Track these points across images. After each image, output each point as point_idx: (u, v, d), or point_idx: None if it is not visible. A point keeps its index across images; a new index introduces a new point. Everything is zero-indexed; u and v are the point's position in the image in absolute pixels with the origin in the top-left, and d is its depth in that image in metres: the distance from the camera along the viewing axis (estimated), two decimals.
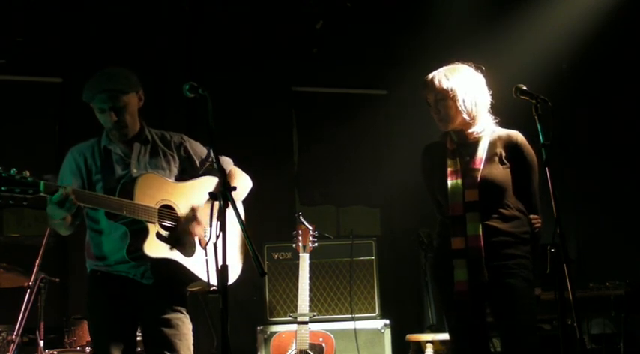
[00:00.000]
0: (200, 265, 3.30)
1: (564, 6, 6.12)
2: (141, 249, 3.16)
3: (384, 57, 6.93)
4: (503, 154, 3.32)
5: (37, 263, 4.67)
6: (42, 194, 2.99)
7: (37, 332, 4.66)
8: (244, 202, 3.59)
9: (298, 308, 4.85)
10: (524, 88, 3.22)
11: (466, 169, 3.32)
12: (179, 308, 3.34)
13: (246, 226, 2.91)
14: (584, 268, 6.12)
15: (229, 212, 2.76)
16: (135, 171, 3.31)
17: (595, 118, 6.46)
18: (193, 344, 3.37)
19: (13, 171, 2.93)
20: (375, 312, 5.53)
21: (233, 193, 2.81)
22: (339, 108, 7.08)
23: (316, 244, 5.03)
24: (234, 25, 6.55)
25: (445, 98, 3.32)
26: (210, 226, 3.14)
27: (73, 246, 5.69)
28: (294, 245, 5.02)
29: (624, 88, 6.29)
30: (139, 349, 3.77)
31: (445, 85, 3.32)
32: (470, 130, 3.37)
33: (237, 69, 6.56)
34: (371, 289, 5.58)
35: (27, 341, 4.86)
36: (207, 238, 3.32)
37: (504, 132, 3.39)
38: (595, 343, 5.42)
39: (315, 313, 4.93)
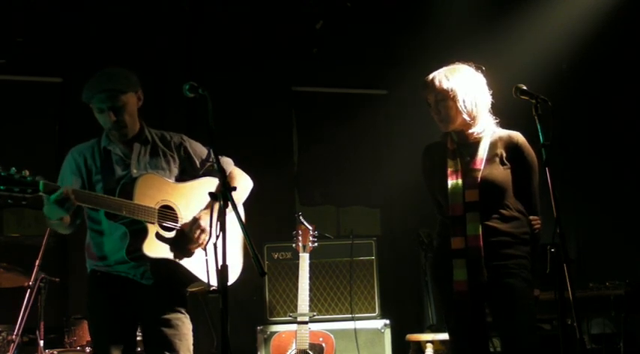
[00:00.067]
0: (200, 265, 3.30)
1: (564, 6, 6.12)
2: (140, 249, 3.16)
3: (384, 57, 6.93)
4: (504, 155, 3.32)
5: (37, 263, 4.67)
6: (41, 194, 2.99)
7: (37, 332, 4.66)
8: (244, 202, 3.58)
9: (298, 308, 4.85)
10: (524, 88, 3.22)
11: (466, 169, 3.32)
12: (179, 308, 3.34)
13: (246, 226, 2.91)
14: (584, 268, 6.12)
15: (229, 212, 2.76)
16: (135, 171, 3.31)
17: (595, 118, 6.46)
18: (193, 344, 3.37)
19: (12, 170, 2.93)
20: (375, 312, 5.53)
21: (233, 194, 2.81)
22: (339, 108, 7.08)
23: (316, 244, 5.03)
24: (234, 25, 6.55)
25: (445, 99, 3.32)
26: (211, 226, 3.14)
27: (73, 246, 5.70)
28: (294, 245, 5.02)
29: (624, 88, 6.28)
30: (138, 349, 3.77)
31: (445, 85, 3.31)
32: (470, 131, 3.36)
33: (237, 69, 6.56)
34: (371, 289, 5.59)
35: (27, 341, 4.86)
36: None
37: (505, 132, 3.39)
38: (595, 343, 5.42)
39: (315, 313, 4.93)
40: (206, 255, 3.25)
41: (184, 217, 3.33)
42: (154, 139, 3.45)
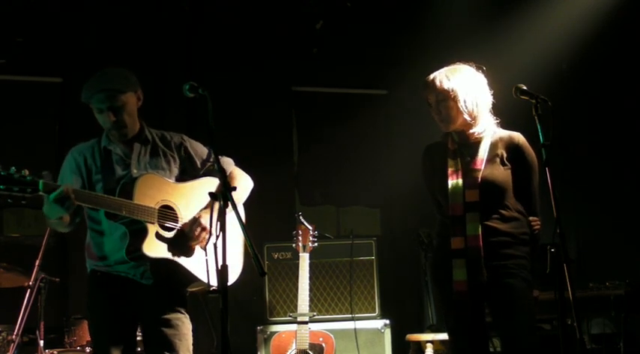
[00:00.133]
0: (200, 265, 3.30)
1: (564, 6, 6.12)
2: (140, 249, 3.16)
3: (384, 57, 6.93)
4: (505, 155, 3.32)
5: (37, 263, 4.67)
6: (41, 193, 2.99)
7: (37, 332, 4.66)
8: (245, 202, 3.58)
9: (298, 308, 4.85)
10: (524, 88, 3.22)
11: (467, 169, 3.32)
12: (179, 308, 3.34)
13: (246, 226, 2.91)
14: (584, 268, 6.12)
15: (229, 212, 2.76)
16: (135, 171, 3.31)
17: (595, 118, 6.46)
18: (193, 344, 3.37)
19: (12, 169, 2.93)
20: (375, 312, 5.53)
21: (233, 194, 2.81)
22: (339, 108, 7.08)
23: (316, 244, 5.03)
24: (234, 25, 6.55)
25: (446, 99, 3.32)
26: (211, 226, 3.14)
27: (73, 246, 5.70)
28: (294, 245, 5.02)
29: (624, 88, 6.28)
30: (139, 349, 3.77)
31: (446, 85, 3.31)
32: (471, 131, 3.36)
33: (237, 69, 6.56)
34: (371, 289, 5.58)
35: (27, 341, 4.86)
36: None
37: (506, 133, 3.39)
38: (595, 343, 5.42)
39: (315, 313, 4.93)
40: (206, 255, 3.25)
41: (184, 217, 3.33)
42: (155, 139, 3.45)
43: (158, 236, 3.22)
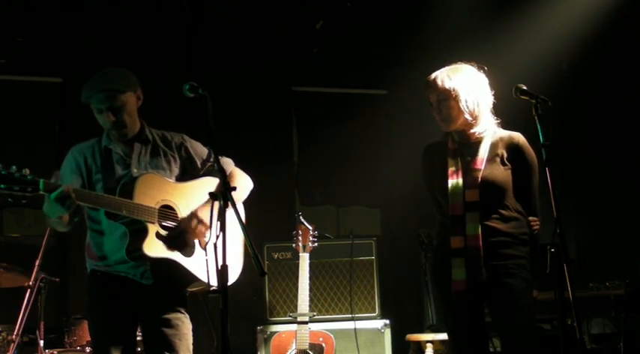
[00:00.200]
0: (200, 265, 3.30)
1: (564, 6, 6.12)
2: (140, 249, 3.16)
3: (384, 57, 6.92)
4: (505, 155, 3.32)
5: (37, 263, 4.67)
6: (41, 192, 2.99)
7: (37, 332, 4.66)
8: (244, 202, 3.59)
9: (298, 308, 4.85)
10: (524, 88, 3.22)
11: (467, 169, 3.32)
12: (179, 308, 3.34)
13: (246, 226, 2.91)
14: (584, 268, 6.12)
15: (229, 212, 2.76)
16: (135, 171, 3.31)
17: (595, 118, 6.46)
18: (193, 344, 3.37)
19: (13, 169, 2.93)
20: (375, 312, 5.53)
21: (233, 194, 2.81)
22: (339, 108, 7.08)
23: (316, 244, 5.03)
24: (234, 25, 6.55)
25: (447, 98, 3.31)
26: (211, 226, 3.14)
27: (73, 246, 5.70)
28: (294, 245, 5.02)
29: (624, 88, 6.28)
30: (139, 349, 3.76)
31: (448, 85, 3.31)
32: (472, 131, 3.36)
33: (237, 69, 6.56)
34: (371, 289, 5.58)
35: (27, 341, 4.86)
36: (207, 236, 3.32)
37: (506, 133, 3.39)
38: (595, 343, 5.42)
39: (315, 313, 4.93)
40: (206, 255, 3.25)
41: None
42: (155, 138, 3.45)
43: (158, 236, 3.22)
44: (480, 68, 3.42)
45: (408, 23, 6.65)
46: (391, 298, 5.94)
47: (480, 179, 3.28)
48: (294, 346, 4.79)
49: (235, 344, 2.73)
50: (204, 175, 3.49)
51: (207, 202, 3.29)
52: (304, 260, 4.93)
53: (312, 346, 4.79)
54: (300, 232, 5.01)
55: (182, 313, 3.35)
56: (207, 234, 3.31)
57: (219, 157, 3.11)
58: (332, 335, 4.93)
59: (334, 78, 7.04)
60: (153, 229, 3.20)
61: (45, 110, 6.34)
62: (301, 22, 6.60)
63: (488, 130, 3.37)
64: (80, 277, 3.70)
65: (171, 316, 3.31)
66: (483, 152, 3.33)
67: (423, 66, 3.66)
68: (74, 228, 3.38)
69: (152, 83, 5.38)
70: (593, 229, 6.34)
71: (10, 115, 6.15)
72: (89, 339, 4.67)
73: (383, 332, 5.37)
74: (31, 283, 4.63)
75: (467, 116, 3.31)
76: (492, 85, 3.42)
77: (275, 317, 5.44)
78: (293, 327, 4.88)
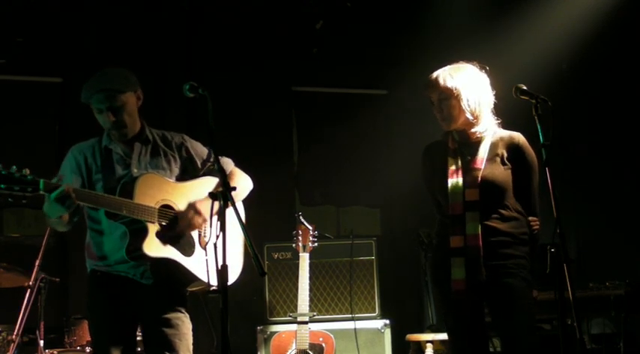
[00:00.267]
0: (200, 265, 3.30)
1: (564, 6, 6.11)
2: (140, 248, 3.16)
3: (384, 57, 6.92)
4: (505, 155, 3.32)
5: (37, 263, 4.67)
6: (41, 192, 2.99)
7: (37, 332, 4.66)
8: (244, 201, 3.59)
9: (298, 308, 4.85)
10: (524, 88, 3.22)
11: (467, 169, 3.32)
12: (179, 308, 3.34)
13: (246, 226, 2.91)
14: (584, 268, 6.12)
15: (229, 212, 2.76)
16: (135, 171, 3.31)
17: (595, 118, 6.46)
18: (193, 344, 3.37)
19: (13, 168, 2.93)
20: (375, 312, 5.53)
21: (233, 194, 2.81)
22: (339, 108, 7.08)
23: (316, 244, 5.03)
24: (234, 25, 6.55)
25: (449, 97, 3.31)
26: (210, 226, 3.14)
27: (73, 246, 5.70)
28: (294, 245, 5.02)
29: (624, 88, 6.28)
30: (139, 349, 3.77)
31: (449, 84, 3.31)
32: (472, 130, 3.36)
33: (237, 69, 6.56)
34: (371, 289, 5.58)
35: (27, 341, 4.86)
36: (207, 236, 3.32)
37: (506, 133, 3.39)
38: (595, 343, 5.42)
39: (315, 313, 4.93)
40: (206, 255, 3.25)
41: None
42: (155, 138, 3.45)
43: (158, 235, 3.22)
44: (481, 68, 3.42)
45: (408, 23, 6.65)
46: (391, 298, 5.94)
47: (479, 179, 3.28)
48: (294, 346, 4.79)
49: (235, 344, 2.73)
50: (205, 174, 3.49)
51: (206, 197, 3.29)
52: (304, 260, 4.93)
53: (312, 346, 4.79)
54: (300, 232, 5.01)
55: (182, 312, 3.35)
56: (205, 227, 3.31)
57: (219, 157, 3.12)
58: (332, 335, 4.93)
59: (334, 78, 7.04)
60: (153, 228, 3.20)
61: (45, 110, 6.34)
62: (301, 22, 6.60)
63: (489, 130, 3.37)
64: (80, 277, 3.70)
65: (172, 315, 3.31)
66: (483, 152, 3.33)
67: (423, 66, 3.66)
68: (74, 228, 3.38)
69: (152, 83, 5.38)
70: (593, 229, 6.34)
71: (10, 115, 6.15)
72: (89, 339, 4.67)
73: (383, 332, 5.37)
74: (31, 283, 4.63)
75: (468, 116, 3.31)
76: (492, 85, 3.42)
77: (275, 317, 5.44)
78: (293, 327, 4.88)
